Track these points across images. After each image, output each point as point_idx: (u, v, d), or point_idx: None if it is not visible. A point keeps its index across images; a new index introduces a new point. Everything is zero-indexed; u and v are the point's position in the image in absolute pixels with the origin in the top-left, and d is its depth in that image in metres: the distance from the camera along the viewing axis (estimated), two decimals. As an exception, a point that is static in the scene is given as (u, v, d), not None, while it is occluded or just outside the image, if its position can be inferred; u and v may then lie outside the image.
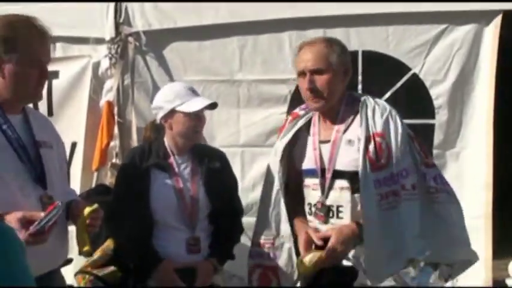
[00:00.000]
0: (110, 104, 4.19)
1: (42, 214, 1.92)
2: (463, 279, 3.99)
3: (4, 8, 3.67)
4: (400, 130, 2.29)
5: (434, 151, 4.14)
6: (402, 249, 2.25)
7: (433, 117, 4.08)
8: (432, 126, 4.09)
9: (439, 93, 4.08)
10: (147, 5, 4.20)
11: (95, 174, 4.22)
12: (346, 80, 2.36)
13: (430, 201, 2.32)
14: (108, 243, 2.91)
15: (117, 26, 4.18)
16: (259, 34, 4.17)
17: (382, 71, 4.14)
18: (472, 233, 4.10)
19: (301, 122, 2.47)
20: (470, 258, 2.49)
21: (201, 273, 2.56)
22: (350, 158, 2.28)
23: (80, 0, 4.25)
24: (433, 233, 2.30)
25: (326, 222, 2.32)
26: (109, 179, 4.05)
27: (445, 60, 4.06)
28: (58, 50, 4.31)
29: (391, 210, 2.24)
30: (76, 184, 4.18)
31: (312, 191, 2.38)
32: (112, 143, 4.17)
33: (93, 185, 4.11)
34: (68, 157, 4.18)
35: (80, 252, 2.17)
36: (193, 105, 2.52)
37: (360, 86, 4.07)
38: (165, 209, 2.57)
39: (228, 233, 2.67)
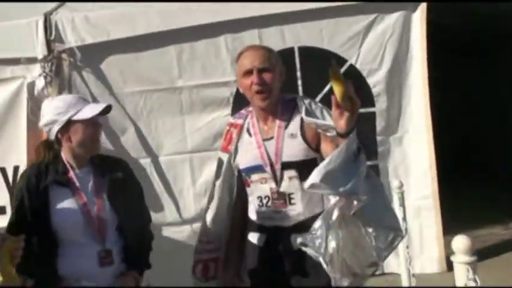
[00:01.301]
0: (49, 124, 4.09)
1: None
2: (417, 258, 4.14)
3: None
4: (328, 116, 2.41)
5: (378, 138, 4.26)
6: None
7: (373, 105, 4.20)
8: (373, 114, 4.20)
9: (376, 82, 4.21)
10: (77, 19, 4.11)
11: (41, 196, 4.10)
12: (281, 81, 2.54)
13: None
14: None
15: (49, 43, 4.06)
16: (195, 40, 4.16)
17: (320, 65, 4.16)
18: (422, 213, 4.31)
19: (245, 129, 2.59)
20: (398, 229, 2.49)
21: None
22: (295, 149, 2.43)
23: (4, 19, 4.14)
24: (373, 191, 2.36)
25: (287, 206, 2.45)
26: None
27: (379, 48, 4.20)
28: (-12, 73, 4.18)
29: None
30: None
31: (260, 185, 2.51)
32: (56, 163, 4.07)
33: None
34: (11, 182, 4.09)
35: (7, 283, 2.12)
36: (89, 111, 2.46)
37: (299, 82, 4.14)
38: (70, 226, 2.44)
39: (139, 242, 2.60)
